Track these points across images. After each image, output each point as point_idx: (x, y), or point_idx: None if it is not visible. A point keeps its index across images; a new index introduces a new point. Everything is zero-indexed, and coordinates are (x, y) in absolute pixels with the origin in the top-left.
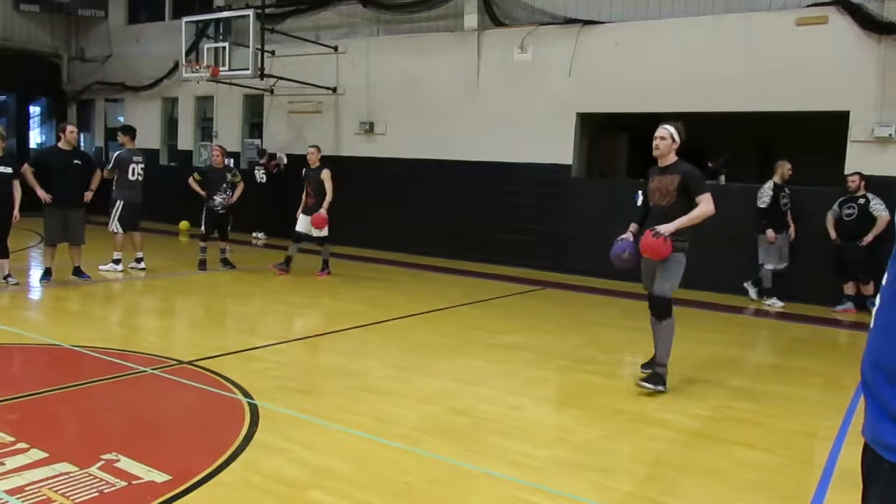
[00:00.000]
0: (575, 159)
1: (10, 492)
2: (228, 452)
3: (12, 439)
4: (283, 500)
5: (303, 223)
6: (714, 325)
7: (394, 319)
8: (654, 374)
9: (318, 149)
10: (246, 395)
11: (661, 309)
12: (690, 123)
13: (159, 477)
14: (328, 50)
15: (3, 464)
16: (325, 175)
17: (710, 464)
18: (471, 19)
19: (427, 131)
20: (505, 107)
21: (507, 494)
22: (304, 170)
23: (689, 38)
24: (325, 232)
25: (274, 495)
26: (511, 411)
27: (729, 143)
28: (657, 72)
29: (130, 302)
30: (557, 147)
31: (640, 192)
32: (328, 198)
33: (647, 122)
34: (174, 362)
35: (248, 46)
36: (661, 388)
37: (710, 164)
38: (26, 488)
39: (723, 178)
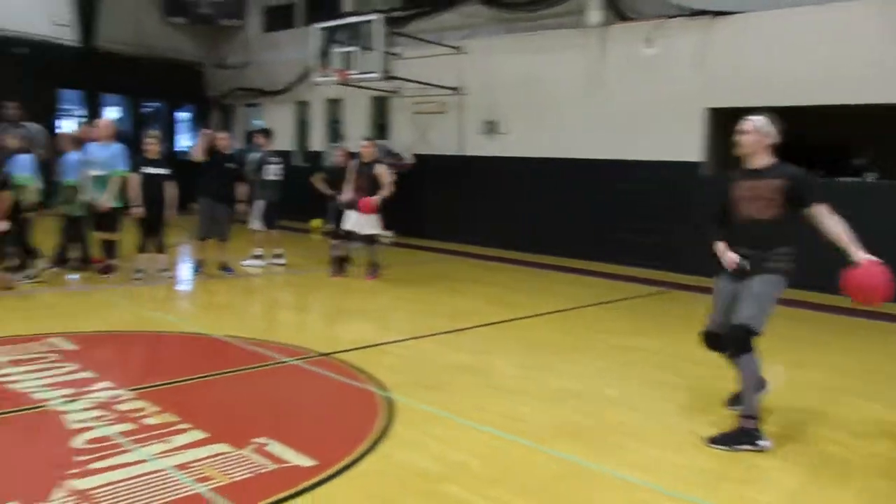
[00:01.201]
0: (704, 156)
1: (178, 467)
2: (367, 443)
3: (177, 419)
4: (420, 493)
5: (353, 220)
6: (868, 335)
7: (518, 319)
8: (734, 432)
9: (374, 142)
10: (381, 388)
11: (737, 340)
12: (833, 118)
13: (305, 462)
14: (451, 50)
15: (171, 441)
16: (382, 170)
17: (862, 484)
18: (594, 14)
19: (549, 130)
20: (629, 103)
21: (639, 499)
22: (353, 162)
23: (836, 25)
24: (375, 228)
25: (411, 487)
26: (641, 415)
27: (878, 138)
28: (797, 63)
29: (270, 296)
30: (685, 144)
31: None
32: (385, 192)
33: (784, 117)
34: (313, 354)
35: (375, 50)
36: (743, 446)
37: (854, 161)
38: (190, 465)
39: (871, 175)
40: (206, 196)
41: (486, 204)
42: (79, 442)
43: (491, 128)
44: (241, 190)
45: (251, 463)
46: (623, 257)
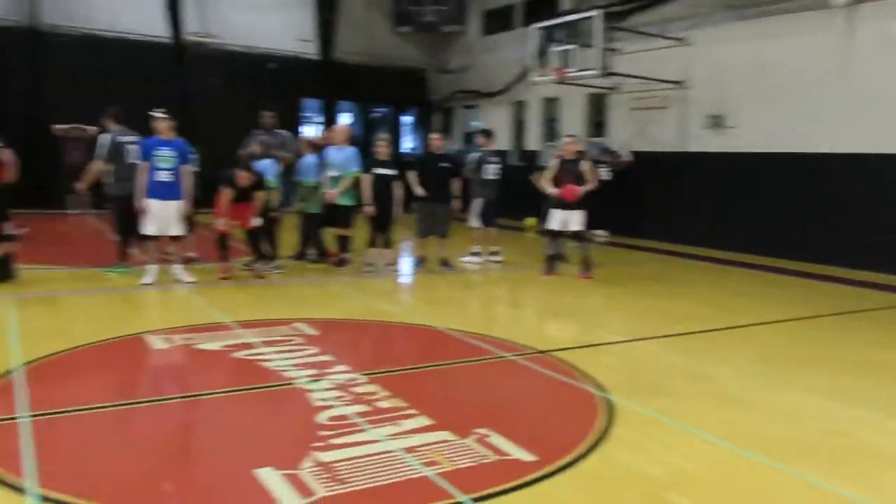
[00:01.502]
0: None
1: (406, 450)
2: (587, 443)
3: (405, 404)
4: (643, 497)
5: (558, 219)
6: None
7: (744, 326)
8: None
9: (577, 139)
10: (599, 388)
11: None
12: None
13: (526, 456)
14: (674, 43)
15: (400, 425)
16: (587, 167)
17: None
18: None
19: (784, 122)
20: (884, 90)
21: None
22: (556, 161)
23: None
24: (581, 226)
25: (633, 490)
26: None
27: None
28: None
29: (487, 291)
30: None
31: None
32: (590, 185)
33: None
34: (530, 350)
35: (593, 46)
36: None
37: None
38: (417, 449)
39: None
40: (422, 200)
41: (707, 202)
42: (322, 418)
43: (716, 122)
44: (456, 186)
45: (474, 452)
46: (871, 263)
